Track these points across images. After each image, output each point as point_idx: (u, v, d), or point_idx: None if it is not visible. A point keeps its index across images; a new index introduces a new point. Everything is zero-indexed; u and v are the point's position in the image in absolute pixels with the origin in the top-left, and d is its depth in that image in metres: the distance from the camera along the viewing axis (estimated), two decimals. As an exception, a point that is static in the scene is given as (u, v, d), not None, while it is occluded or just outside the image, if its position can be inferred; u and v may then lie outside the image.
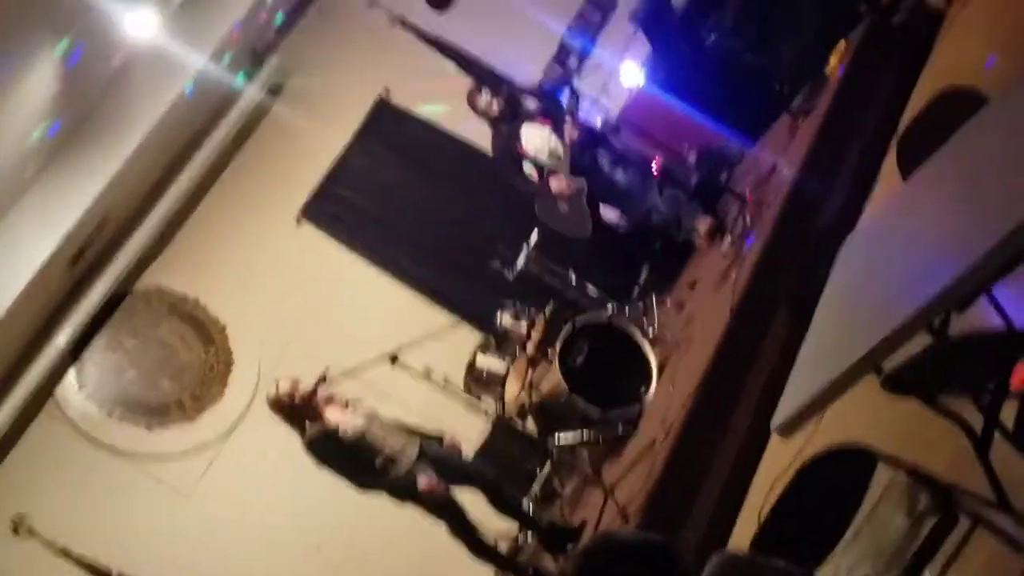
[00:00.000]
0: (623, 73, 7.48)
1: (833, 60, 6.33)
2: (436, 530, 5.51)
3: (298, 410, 5.51)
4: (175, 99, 6.65)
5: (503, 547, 5.91)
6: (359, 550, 6.70)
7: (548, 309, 6.50)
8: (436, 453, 5.60)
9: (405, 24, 7.54)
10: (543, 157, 6.63)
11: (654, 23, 7.28)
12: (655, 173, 6.56)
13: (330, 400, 5.59)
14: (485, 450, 6.40)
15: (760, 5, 7.00)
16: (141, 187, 7.16)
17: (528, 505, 6.01)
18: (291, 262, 7.37)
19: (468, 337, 6.91)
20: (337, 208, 7.52)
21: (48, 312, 6.78)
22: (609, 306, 6.42)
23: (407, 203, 7.59)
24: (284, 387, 5.56)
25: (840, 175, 5.43)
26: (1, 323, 6.09)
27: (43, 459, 6.67)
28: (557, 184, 6.56)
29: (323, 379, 5.52)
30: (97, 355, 6.97)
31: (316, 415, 5.53)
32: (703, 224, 6.55)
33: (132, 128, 6.51)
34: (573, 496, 6.08)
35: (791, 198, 5.58)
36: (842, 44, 6.30)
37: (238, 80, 7.43)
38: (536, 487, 6.48)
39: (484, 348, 6.39)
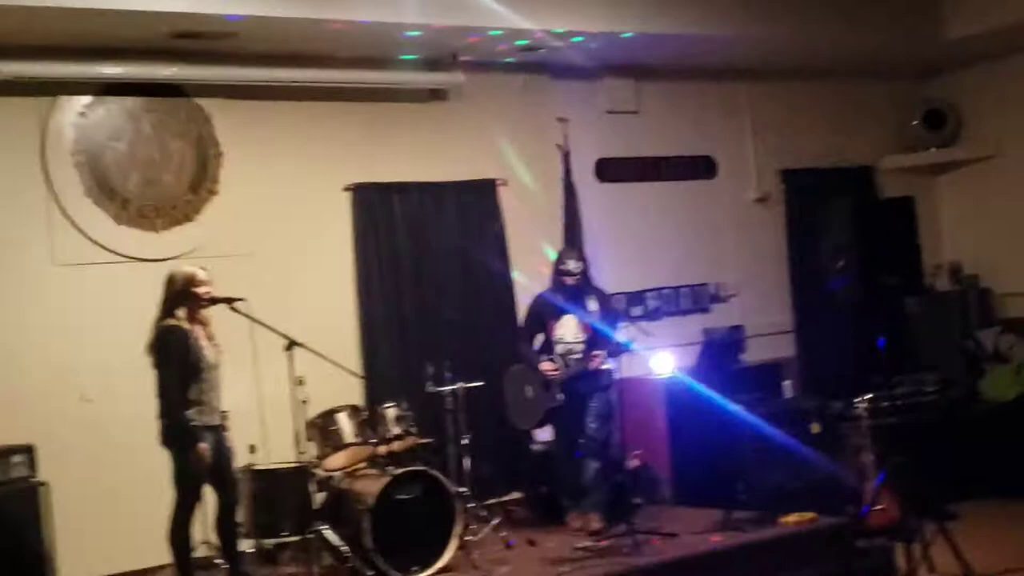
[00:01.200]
0: (654, 359, 7.70)
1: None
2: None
3: (181, 297, 5.51)
4: None
5: (200, 554, 5.79)
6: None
7: (423, 438, 6.52)
8: (224, 440, 5.62)
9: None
10: (559, 345, 6.81)
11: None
12: (625, 456, 6.68)
13: (206, 321, 5.59)
14: (263, 475, 6.31)
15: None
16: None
17: (244, 547, 5.90)
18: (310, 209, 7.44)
19: (351, 391, 6.88)
20: (375, 209, 7.59)
21: None
22: (461, 491, 6.41)
23: (410, 262, 7.68)
24: (196, 272, 5.57)
25: None
26: None
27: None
28: (549, 366, 6.69)
29: (230, 302, 5.54)
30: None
31: (188, 314, 5.52)
32: (594, 518, 6.66)
33: None
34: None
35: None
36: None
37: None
38: (269, 543, 6.38)
39: (352, 412, 6.36)
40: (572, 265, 6.90)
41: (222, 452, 5.63)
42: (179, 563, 5.55)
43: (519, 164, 8.11)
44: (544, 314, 6.98)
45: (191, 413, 5.44)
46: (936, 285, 9.63)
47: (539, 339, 7.02)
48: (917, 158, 9.80)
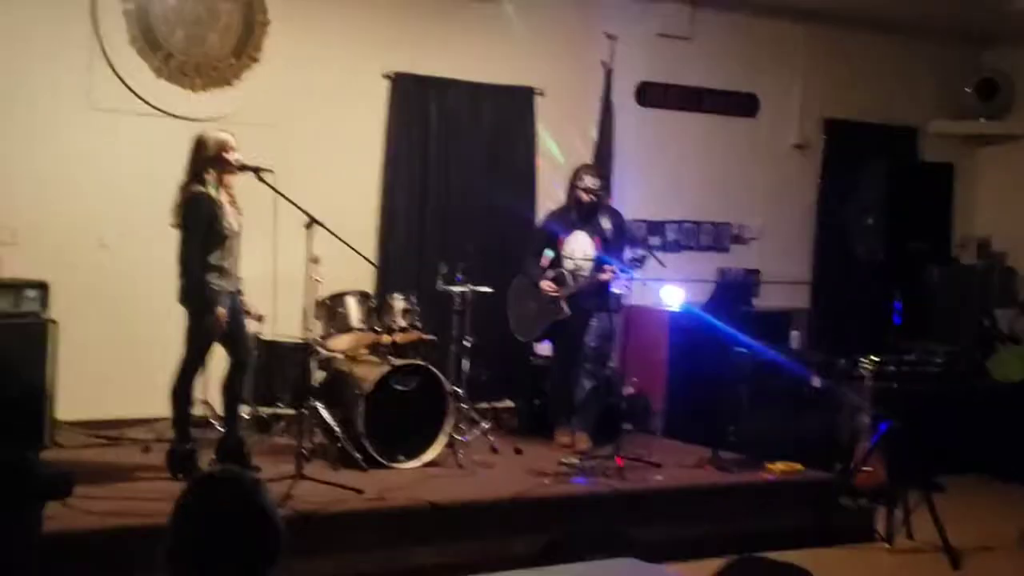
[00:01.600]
0: (664, 291, 7.81)
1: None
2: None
3: (211, 162, 5.54)
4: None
5: (197, 412, 5.92)
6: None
7: (427, 334, 6.62)
8: (240, 305, 5.73)
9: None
10: (568, 261, 6.84)
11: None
12: (622, 381, 6.74)
13: (231, 188, 5.64)
14: (267, 346, 6.43)
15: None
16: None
17: (242, 412, 6.04)
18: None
19: (363, 279, 6.96)
20: (411, 101, 7.58)
21: None
22: (456, 391, 6.51)
23: (439, 159, 7.69)
24: (228, 138, 5.60)
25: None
26: None
27: None
28: (549, 286, 6.76)
29: (258, 171, 5.56)
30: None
31: (216, 179, 5.56)
32: (582, 438, 6.79)
33: None
34: (275, 449, 6.10)
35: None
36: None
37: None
38: (265, 412, 6.52)
39: (361, 298, 6.44)
40: (589, 181, 6.88)
41: (237, 316, 5.73)
42: (177, 417, 5.67)
43: (560, 75, 8.07)
44: (554, 229, 7.02)
45: (211, 277, 5.52)
46: (962, 257, 9.59)
47: (548, 254, 7.04)
48: (964, 126, 9.70)
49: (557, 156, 7.96)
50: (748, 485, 6.40)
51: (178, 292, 5.58)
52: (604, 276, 6.71)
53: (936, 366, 8.17)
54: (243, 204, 5.74)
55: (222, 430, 5.92)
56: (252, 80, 7.14)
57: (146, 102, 6.84)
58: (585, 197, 6.88)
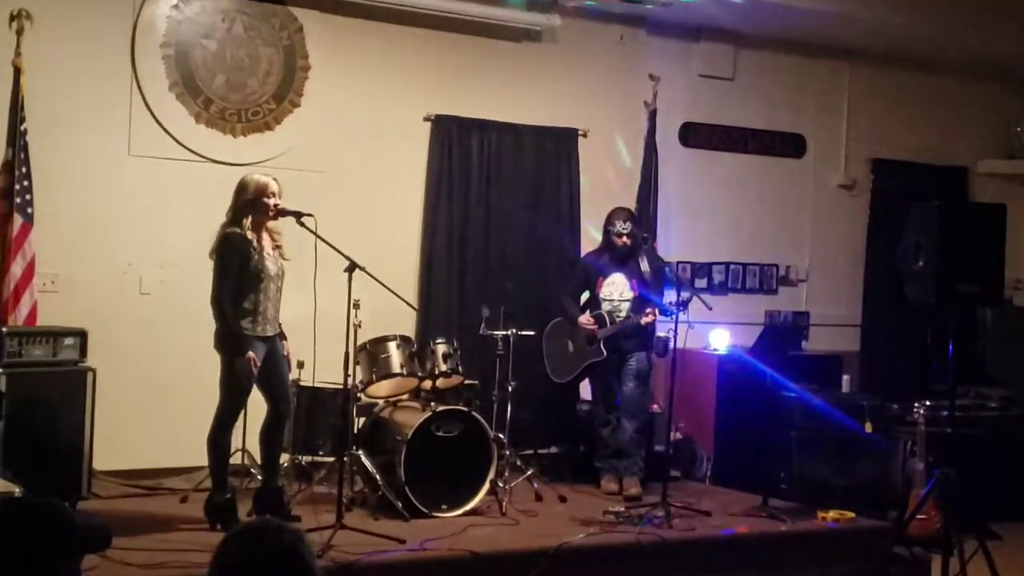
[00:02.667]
0: (712, 335, 7.76)
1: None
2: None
3: (250, 205, 5.53)
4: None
5: (235, 461, 5.89)
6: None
7: (469, 379, 6.57)
8: (279, 351, 5.70)
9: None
10: (605, 302, 6.81)
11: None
12: (668, 426, 6.76)
13: (276, 232, 5.63)
14: (307, 392, 6.40)
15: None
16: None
17: (281, 461, 5.99)
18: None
19: (404, 323, 6.93)
20: (453, 143, 7.58)
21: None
22: (499, 437, 6.45)
23: (481, 202, 7.67)
24: (268, 182, 5.60)
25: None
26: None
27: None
28: (587, 321, 6.72)
29: (298, 216, 5.55)
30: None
31: (254, 222, 5.55)
32: (631, 483, 6.76)
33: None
34: (316, 498, 6.04)
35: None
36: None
37: None
38: (305, 460, 6.48)
39: (403, 343, 6.40)
40: (620, 226, 6.89)
41: (277, 363, 5.68)
42: (214, 466, 5.64)
43: (603, 116, 8.06)
44: (591, 270, 7.01)
45: (244, 322, 5.50)
46: (1015, 299, 9.44)
47: (584, 297, 7.07)
48: (1016, 165, 9.57)
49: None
50: (800, 534, 6.28)
51: (214, 337, 5.57)
52: (646, 319, 6.68)
53: (990, 410, 8.03)
54: (286, 247, 5.73)
55: (261, 479, 5.87)
56: (293, 125, 7.16)
57: (186, 147, 6.87)
58: (618, 242, 6.90)
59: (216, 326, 5.55)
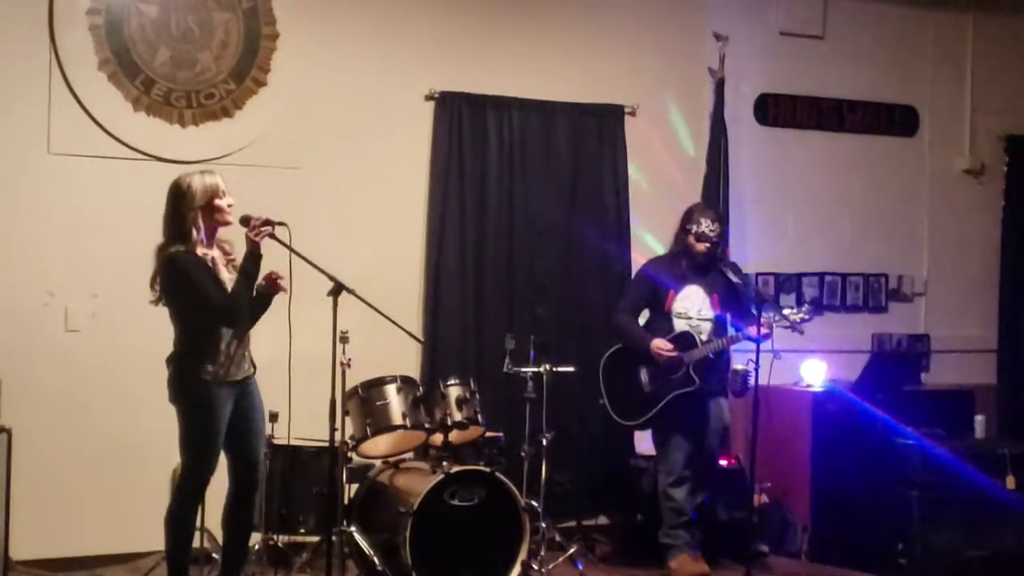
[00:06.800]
0: (805, 367, 7.78)
1: None
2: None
3: (198, 215, 5.49)
4: None
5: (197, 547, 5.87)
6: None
7: (489, 433, 6.56)
8: (251, 400, 5.68)
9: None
10: (679, 321, 6.81)
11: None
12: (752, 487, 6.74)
13: (228, 247, 5.61)
14: (283, 452, 6.38)
15: None
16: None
17: (251, 542, 5.96)
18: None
19: (407, 360, 6.94)
20: (463, 127, 7.59)
21: None
22: (532, 505, 6.41)
23: (501, 200, 7.70)
24: (218, 181, 5.55)
25: None
26: None
27: None
28: (664, 346, 6.72)
29: (268, 225, 5.51)
30: None
31: (207, 236, 5.52)
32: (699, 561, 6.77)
33: None
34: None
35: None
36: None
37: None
38: (284, 540, 6.45)
39: (405, 386, 6.38)
40: (706, 226, 6.82)
41: (246, 416, 5.61)
42: (172, 551, 5.58)
43: (656, 89, 8.05)
44: (659, 282, 6.93)
45: (206, 366, 5.46)
46: None
47: (644, 316, 7.02)
48: None
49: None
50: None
51: (167, 385, 5.53)
52: (755, 331, 6.55)
53: None
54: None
55: (220, 570, 5.81)
56: (257, 109, 7.17)
57: (121, 142, 6.88)
58: (700, 247, 6.82)
59: (172, 370, 5.50)
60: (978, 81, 9.07)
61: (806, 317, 6.49)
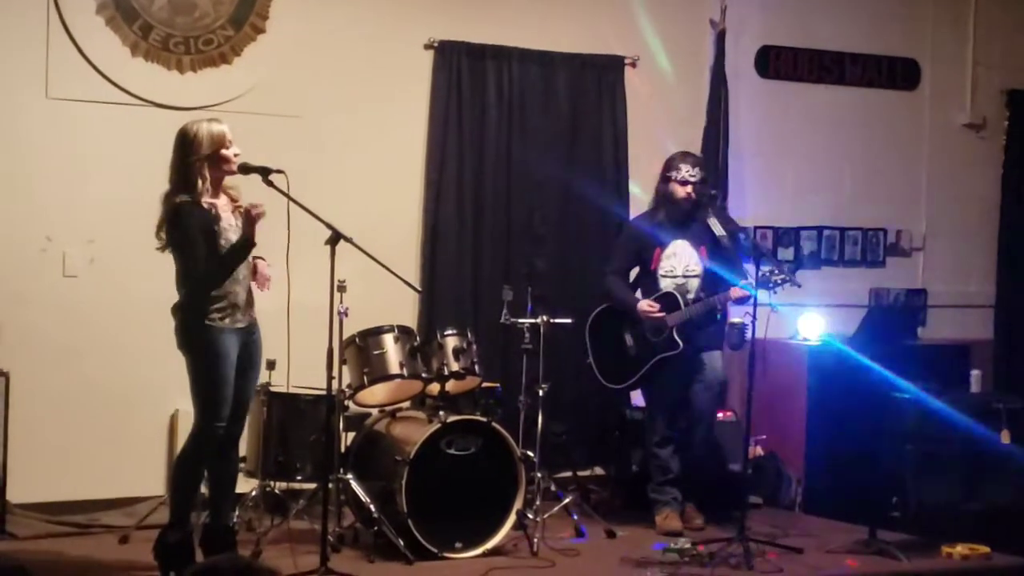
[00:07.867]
0: (802, 320, 7.81)
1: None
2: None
3: (204, 163, 5.49)
4: None
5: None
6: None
7: (486, 383, 6.59)
8: (253, 347, 5.70)
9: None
10: (666, 280, 6.79)
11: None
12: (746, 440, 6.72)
13: (234, 194, 5.61)
14: (280, 400, 6.41)
15: None
16: None
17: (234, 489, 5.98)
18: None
19: (404, 309, 6.96)
20: (463, 77, 7.59)
21: None
22: (528, 455, 6.46)
23: (500, 151, 7.67)
24: (225, 130, 5.56)
25: None
26: None
27: None
28: (650, 307, 6.72)
29: (266, 173, 5.52)
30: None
31: (213, 184, 5.53)
32: (696, 513, 6.85)
33: None
34: (293, 536, 6.06)
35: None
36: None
37: None
38: (278, 488, 6.49)
39: (402, 336, 6.39)
40: (686, 172, 6.80)
41: (246, 365, 5.64)
42: (177, 495, 5.65)
43: (656, 40, 8.04)
44: (644, 239, 6.93)
45: (212, 313, 5.47)
46: None
47: (634, 273, 7.03)
48: None
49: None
50: (920, 575, 6.25)
51: (175, 332, 5.56)
52: (737, 293, 6.60)
53: None
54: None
55: (207, 516, 5.83)
56: (256, 56, 7.16)
57: (119, 87, 6.88)
58: (681, 191, 6.80)
59: (179, 317, 5.54)
60: (980, 35, 9.05)
61: (787, 278, 6.44)
